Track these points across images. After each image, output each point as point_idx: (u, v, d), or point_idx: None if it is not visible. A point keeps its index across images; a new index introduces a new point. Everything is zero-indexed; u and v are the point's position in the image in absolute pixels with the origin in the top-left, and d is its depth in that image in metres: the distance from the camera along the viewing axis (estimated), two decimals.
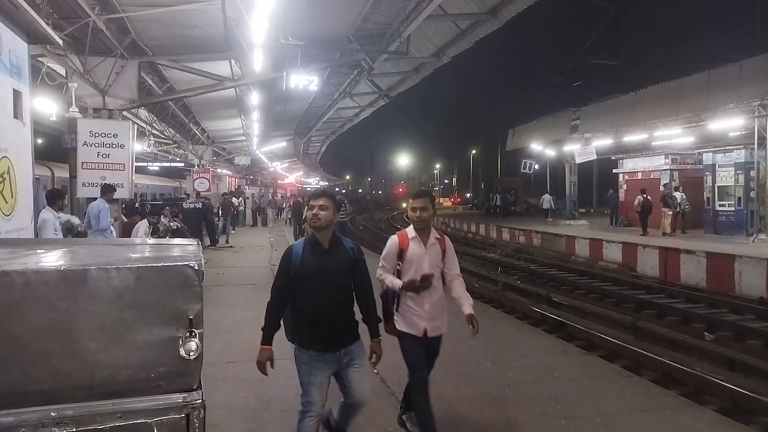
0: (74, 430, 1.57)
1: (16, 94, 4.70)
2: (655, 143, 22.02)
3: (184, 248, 2.23)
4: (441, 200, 78.61)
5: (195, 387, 1.79)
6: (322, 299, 3.10)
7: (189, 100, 17.31)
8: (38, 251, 1.99)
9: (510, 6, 12.29)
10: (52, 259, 1.86)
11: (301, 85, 12.12)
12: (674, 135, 20.20)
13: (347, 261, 3.21)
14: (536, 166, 33.57)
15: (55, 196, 7.71)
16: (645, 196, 19.68)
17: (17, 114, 4.77)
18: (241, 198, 30.15)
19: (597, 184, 42.22)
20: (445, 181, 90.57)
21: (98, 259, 1.76)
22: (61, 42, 5.21)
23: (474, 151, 67.64)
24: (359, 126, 31.80)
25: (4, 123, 4.53)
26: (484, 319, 8.67)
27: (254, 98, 15.11)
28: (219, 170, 31.63)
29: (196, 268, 1.81)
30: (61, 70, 10.77)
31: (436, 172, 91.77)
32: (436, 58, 15.85)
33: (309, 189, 50.63)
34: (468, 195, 71.76)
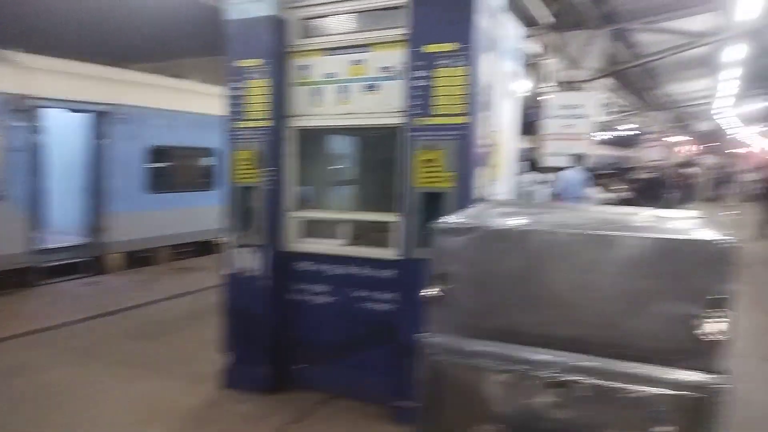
0: (596, 381, 1.73)
1: (510, 75, 5.37)
2: None
3: (693, 221, 2.13)
4: None
5: (714, 371, 1.71)
6: None
7: (652, 63, 16.35)
8: (557, 213, 2.28)
9: None
10: (580, 221, 2.07)
11: None
12: None
13: None
14: None
15: (533, 165, 8.66)
16: None
17: (510, 92, 5.46)
18: (696, 168, 26.87)
19: None
20: None
21: (622, 225, 1.88)
22: (550, 22, 5.66)
23: None
24: None
25: (500, 101, 5.26)
26: None
27: (733, 53, 13.02)
28: (673, 138, 29.06)
29: (729, 245, 1.70)
30: (535, 49, 11.82)
31: None
32: None
33: None
34: None
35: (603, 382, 1.73)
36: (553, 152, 11.27)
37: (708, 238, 1.76)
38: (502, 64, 4.63)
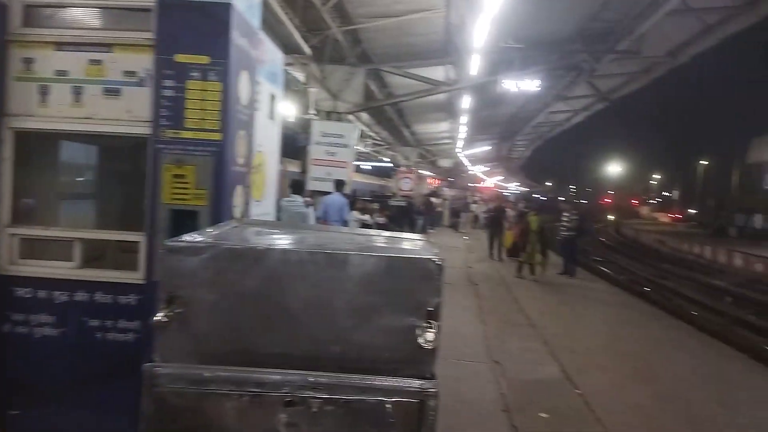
0: (326, 396, 1.78)
1: (272, 98, 5.44)
2: None
3: (416, 243, 2.38)
4: (656, 215, 70.91)
5: (430, 376, 1.89)
6: None
7: (403, 104, 18.34)
8: (299, 234, 2.32)
9: None
10: (316, 241, 2.12)
11: (516, 88, 11.99)
12: None
13: None
14: None
15: (300, 187, 8.85)
16: None
17: (271, 115, 5.53)
18: (440, 199, 30.85)
19: None
20: (664, 194, 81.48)
21: (353, 245, 1.98)
22: (309, 52, 5.91)
23: (704, 163, 59.10)
24: (568, 130, 30.34)
25: (262, 123, 5.28)
26: (710, 354, 7.61)
27: (465, 102, 15.39)
28: (422, 171, 32.89)
29: (438, 263, 1.92)
30: (301, 77, 12.28)
31: (653, 183, 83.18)
32: (672, 57, 14.24)
33: (508, 194, 49.76)
34: (692, 211, 63.17)
35: (335, 396, 1.80)
36: (318, 177, 11.75)
37: (425, 257, 1.98)
38: (264, 85, 4.65)
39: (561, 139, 41.59)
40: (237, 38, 3.40)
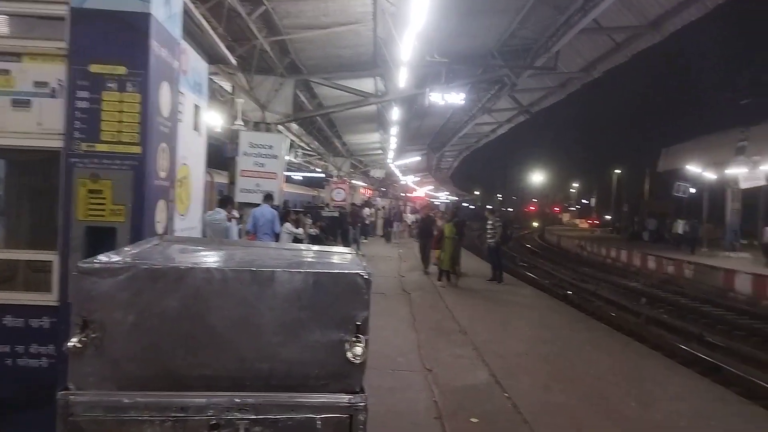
0: (253, 417, 1.74)
1: (196, 109, 5.30)
2: None
3: (345, 256, 2.39)
4: (576, 221, 74.68)
5: (358, 390, 1.90)
6: None
7: (334, 114, 18.37)
8: (224, 250, 2.27)
9: (675, 19, 11.47)
10: (242, 258, 2.07)
11: (442, 101, 12.32)
12: None
13: None
14: (692, 190, 30.58)
15: (226, 201, 8.62)
16: None
17: (196, 126, 5.39)
18: (372, 209, 30.92)
19: (766, 213, 37.18)
20: (583, 201, 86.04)
21: (280, 261, 1.95)
22: (235, 62, 5.80)
23: (618, 171, 62.96)
24: (493, 141, 31.49)
25: (185, 134, 5.12)
26: (627, 353, 8.08)
27: (394, 114, 15.62)
28: (355, 181, 32.97)
29: (366, 277, 1.93)
30: (228, 87, 12.03)
31: (573, 191, 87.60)
32: (585, 72, 15.25)
33: (438, 204, 50.77)
34: (608, 217, 67.05)
35: (262, 416, 1.76)
36: (246, 189, 11.51)
37: (353, 271, 1.98)
38: (187, 96, 4.53)
39: (487, 149, 43.13)
40: (156, 48, 3.30)
